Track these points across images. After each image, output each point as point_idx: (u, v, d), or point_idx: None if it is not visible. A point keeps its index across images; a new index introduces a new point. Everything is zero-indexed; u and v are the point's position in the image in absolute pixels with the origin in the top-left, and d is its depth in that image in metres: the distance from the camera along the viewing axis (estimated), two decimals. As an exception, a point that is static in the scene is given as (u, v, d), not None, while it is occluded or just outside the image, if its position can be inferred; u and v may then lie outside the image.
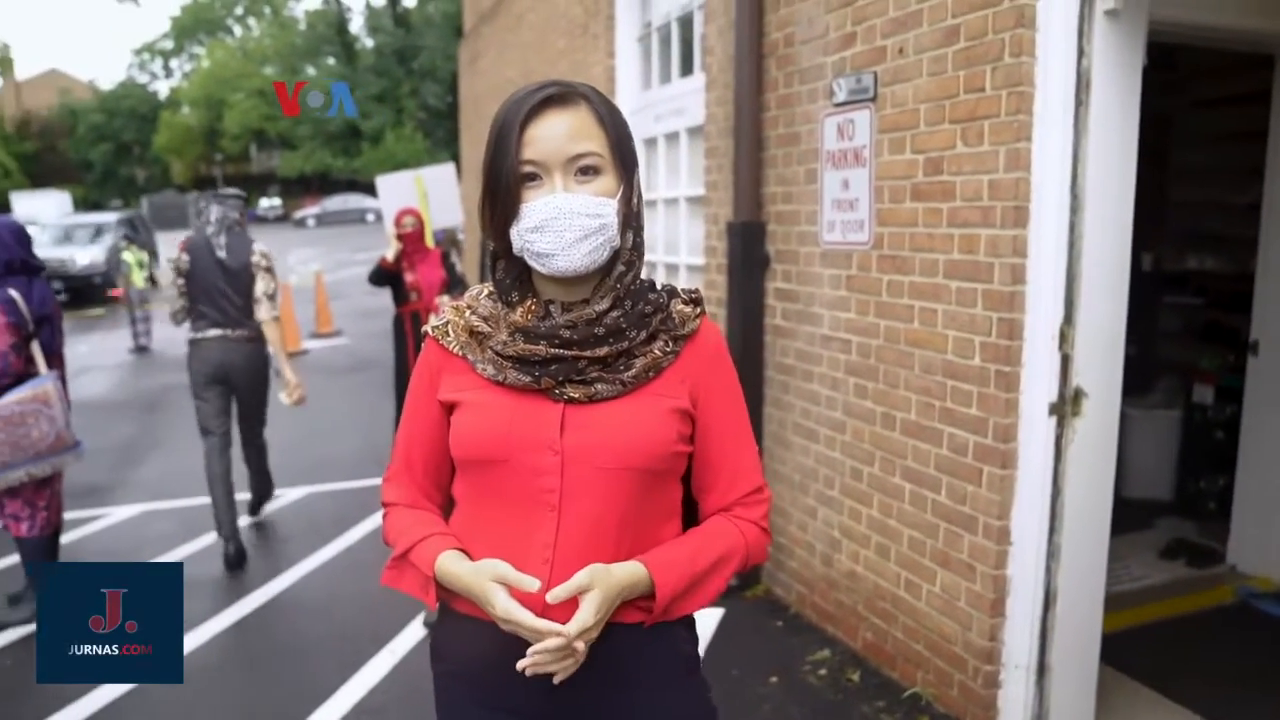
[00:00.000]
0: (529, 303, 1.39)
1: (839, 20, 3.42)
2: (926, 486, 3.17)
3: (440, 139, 41.42)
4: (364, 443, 7.08)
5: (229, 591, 4.38)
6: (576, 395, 1.34)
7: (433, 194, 7.48)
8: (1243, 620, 3.87)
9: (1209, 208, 5.44)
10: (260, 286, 4.65)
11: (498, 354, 1.37)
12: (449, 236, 8.00)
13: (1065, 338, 2.77)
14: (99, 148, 49.43)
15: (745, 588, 4.18)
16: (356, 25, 48.66)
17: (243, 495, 5.26)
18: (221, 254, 4.60)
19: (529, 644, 1.27)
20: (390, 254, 5.78)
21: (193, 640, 3.87)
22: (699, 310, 1.45)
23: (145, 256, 12.14)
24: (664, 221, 5.30)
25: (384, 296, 6.14)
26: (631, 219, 1.38)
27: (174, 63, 53.21)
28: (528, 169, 1.31)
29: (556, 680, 1.29)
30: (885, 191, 3.25)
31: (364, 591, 4.28)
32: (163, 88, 52.62)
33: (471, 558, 1.36)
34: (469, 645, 1.41)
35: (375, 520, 5.15)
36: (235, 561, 4.65)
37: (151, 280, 11.91)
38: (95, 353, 11.95)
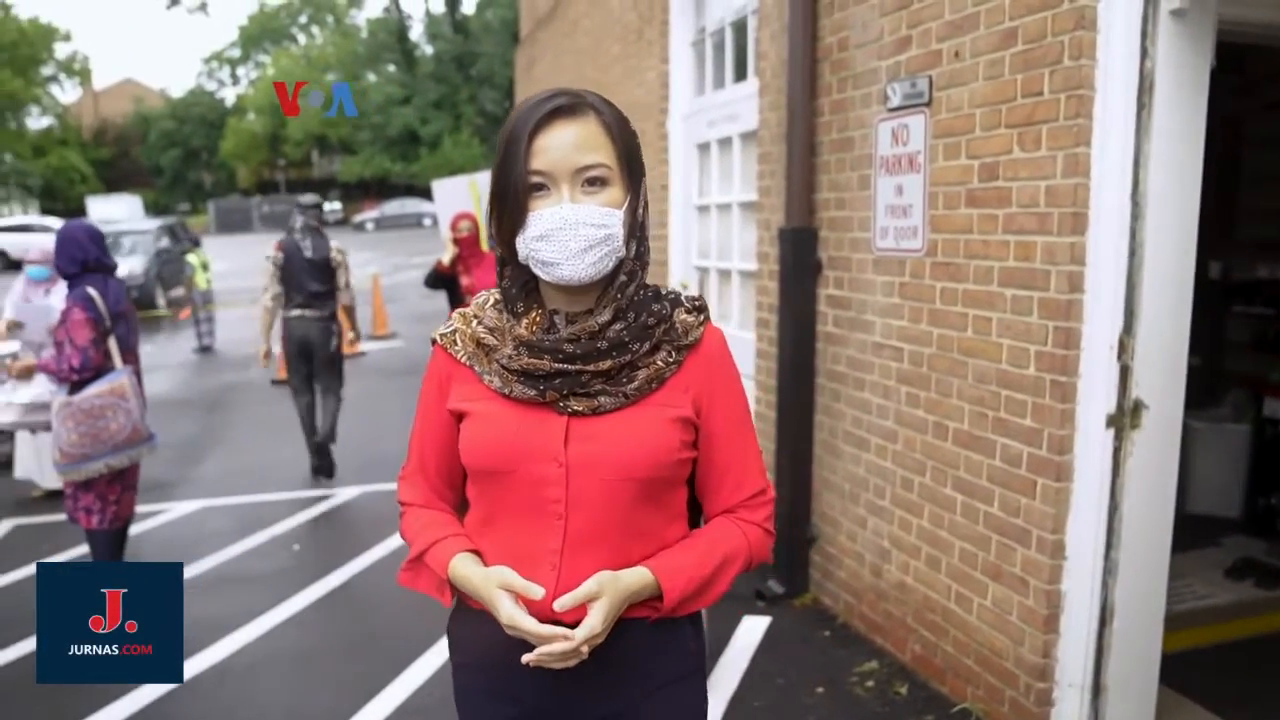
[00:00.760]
0: (534, 314, 1.41)
1: (894, 24, 3.38)
2: (979, 498, 3.10)
3: (496, 145, 41.76)
4: (417, 444, 7.14)
5: (282, 587, 4.46)
6: (580, 408, 1.37)
7: (487, 198, 7.55)
8: (1313, 645, 3.72)
9: (1281, 215, 5.26)
10: (339, 278, 6.03)
11: (503, 367, 1.39)
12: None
13: (1125, 348, 2.70)
14: (169, 153, 50.93)
15: (793, 596, 4.14)
16: (416, 33, 49.26)
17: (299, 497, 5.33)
18: (308, 253, 5.89)
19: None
20: (446, 258, 5.86)
21: (245, 635, 3.95)
22: (702, 319, 1.46)
23: (209, 258, 12.42)
24: (716, 227, 5.28)
25: (439, 300, 6.22)
26: (636, 229, 1.40)
27: (240, 70, 54.64)
28: (536, 179, 1.33)
29: (558, 668, 1.32)
30: (939, 197, 3.20)
31: (414, 591, 4.31)
32: (230, 95, 54.07)
33: (484, 560, 1.41)
34: (482, 639, 1.44)
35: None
36: (325, 470, 6.26)
37: (190, 283, 12.15)
38: (160, 352, 12.27)
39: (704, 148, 5.40)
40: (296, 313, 5.90)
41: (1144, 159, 2.62)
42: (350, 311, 6.26)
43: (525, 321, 1.41)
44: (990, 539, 3.06)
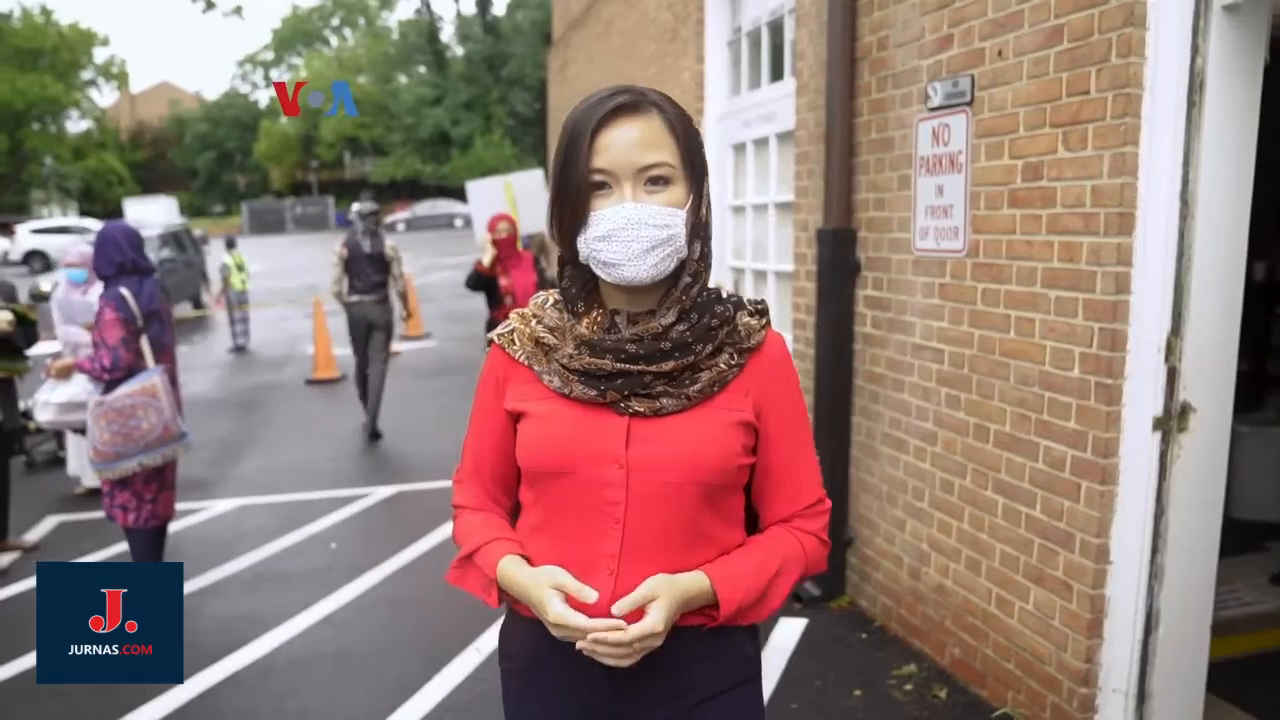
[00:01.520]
0: (595, 313, 1.39)
1: (935, 23, 3.35)
2: (1020, 501, 3.07)
3: (527, 145, 42.03)
4: (451, 445, 7.16)
5: (320, 585, 4.50)
6: (641, 409, 1.34)
7: (521, 199, 7.59)
8: (1362, 652, 3.64)
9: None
10: (394, 270, 7.34)
11: (563, 366, 1.37)
12: (537, 241, 8.11)
13: (1172, 350, 2.66)
14: (204, 155, 51.66)
15: (830, 599, 4.12)
16: (447, 34, 49.61)
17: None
18: (366, 249, 7.19)
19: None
20: (486, 259, 5.90)
21: (283, 633, 4.00)
22: (764, 321, 1.44)
23: (245, 259, 12.53)
24: (752, 228, 5.27)
25: (471, 301, 6.29)
26: (699, 229, 1.37)
27: (274, 73, 55.22)
28: (598, 177, 1.31)
29: (610, 664, 1.29)
30: (981, 198, 3.17)
31: (451, 590, 4.30)
32: (263, 97, 54.69)
33: (531, 563, 1.39)
34: (533, 645, 1.43)
35: (461, 520, 5.23)
36: (374, 436, 7.41)
37: (225, 283, 12.26)
38: (195, 352, 12.43)
39: (739, 148, 5.39)
40: (356, 298, 7.22)
41: (1194, 158, 2.58)
42: (404, 296, 7.66)
43: (586, 321, 1.38)
44: (1032, 542, 3.02)
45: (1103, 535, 2.77)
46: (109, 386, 3.94)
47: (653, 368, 1.34)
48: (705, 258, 1.40)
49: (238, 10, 66.89)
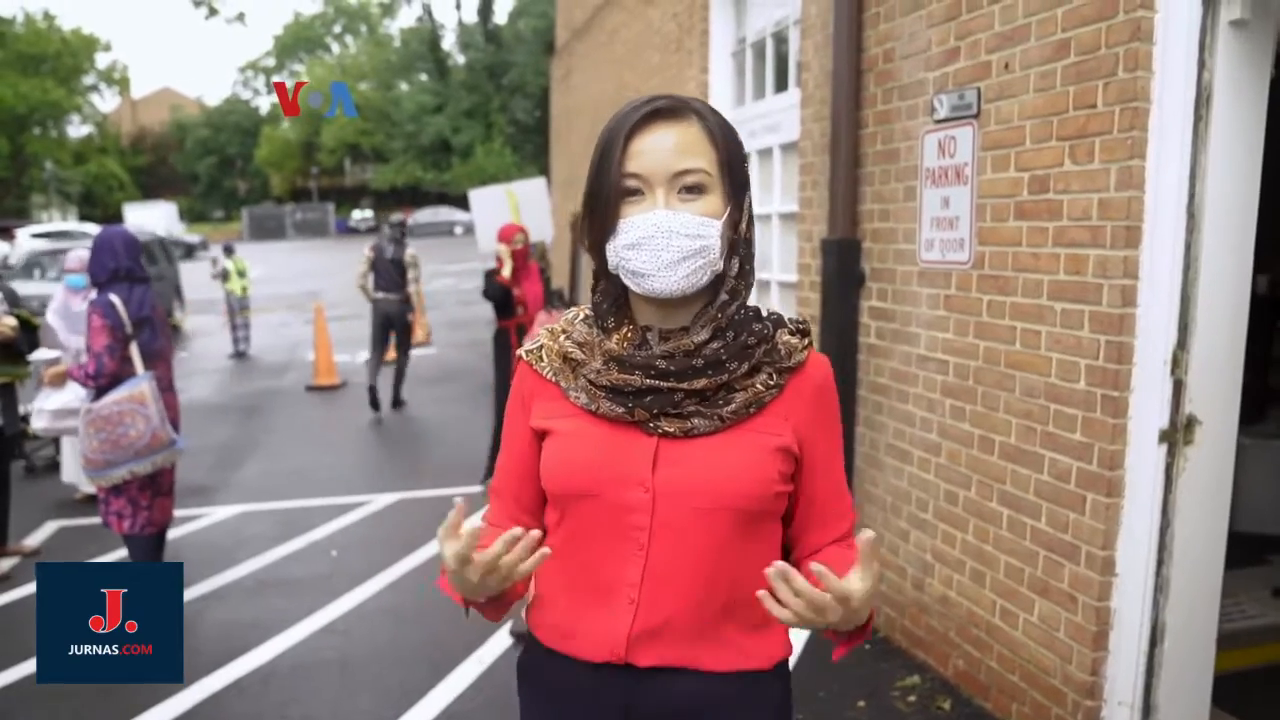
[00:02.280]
0: (625, 329, 1.32)
1: (941, 35, 3.37)
2: (1025, 512, 3.07)
3: (529, 153, 42.12)
4: (453, 452, 7.20)
5: (321, 594, 4.49)
6: (671, 429, 1.27)
7: (524, 208, 7.60)
8: (1366, 666, 3.64)
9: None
10: (410, 274, 8.63)
11: (591, 382, 1.31)
12: (538, 250, 8.13)
13: (1179, 362, 2.66)
14: (205, 161, 51.74)
15: (832, 610, 4.11)
16: (449, 42, 49.84)
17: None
18: (389, 254, 8.49)
19: (616, 682, 1.29)
20: (507, 270, 5.91)
21: (285, 640, 3.99)
22: (806, 341, 1.36)
23: (245, 265, 12.53)
24: (756, 238, 5.28)
25: (472, 308, 6.30)
26: (739, 245, 1.30)
27: (276, 79, 55.28)
28: (630, 183, 1.25)
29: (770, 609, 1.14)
30: (987, 210, 3.18)
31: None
32: (264, 103, 54.79)
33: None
34: (554, 677, 1.39)
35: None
36: (376, 405, 8.42)
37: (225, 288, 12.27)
38: (195, 357, 12.43)
39: (743, 158, 5.40)
40: (380, 295, 8.47)
41: (1200, 172, 2.59)
42: (418, 296, 9.12)
43: (616, 337, 1.32)
44: (1038, 554, 3.02)
45: (1108, 548, 2.77)
46: (98, 394, 3.90)
47: (684, 385, 1.27)
48: (745, 275, 1.32)
49: (240, 17, 66.84)
